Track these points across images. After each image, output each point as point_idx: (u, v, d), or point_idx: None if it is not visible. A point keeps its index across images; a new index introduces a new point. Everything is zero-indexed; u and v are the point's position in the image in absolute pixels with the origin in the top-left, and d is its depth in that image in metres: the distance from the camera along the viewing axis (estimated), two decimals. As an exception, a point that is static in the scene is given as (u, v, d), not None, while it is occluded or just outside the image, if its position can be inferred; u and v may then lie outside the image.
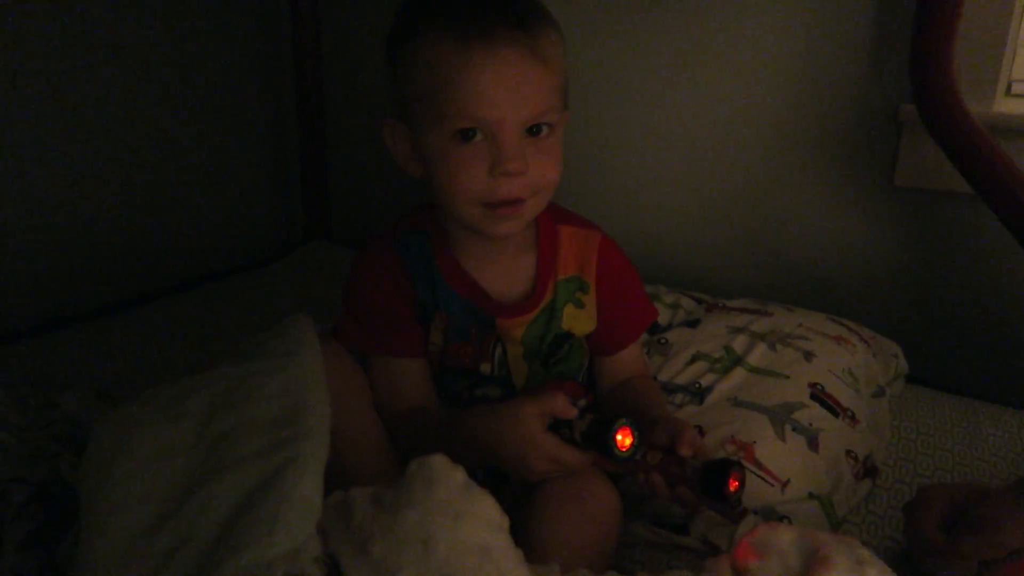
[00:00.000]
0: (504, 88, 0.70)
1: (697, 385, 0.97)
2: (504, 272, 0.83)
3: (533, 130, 0.73)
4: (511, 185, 0.73)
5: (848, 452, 0.90)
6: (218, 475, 0.59)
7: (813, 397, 0.94)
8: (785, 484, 0.84)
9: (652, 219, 1.43)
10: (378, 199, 1.79)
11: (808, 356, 1.00)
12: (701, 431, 0.90)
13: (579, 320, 0.85)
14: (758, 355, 1.00)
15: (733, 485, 0.68)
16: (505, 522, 0.56)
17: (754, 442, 0.87)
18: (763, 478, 0.84)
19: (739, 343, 1.03)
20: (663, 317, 1.12)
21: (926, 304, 1.24)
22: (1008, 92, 1.18)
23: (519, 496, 0.74)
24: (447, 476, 0.55)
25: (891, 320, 1.23)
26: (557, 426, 0.70)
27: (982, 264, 1.18)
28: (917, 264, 1.23)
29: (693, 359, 1.01)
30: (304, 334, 0.78)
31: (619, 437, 0.68)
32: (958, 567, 0.67)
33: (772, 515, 0.81)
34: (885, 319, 1.22)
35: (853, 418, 0.94)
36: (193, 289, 1.49)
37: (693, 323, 1.09)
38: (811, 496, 0.84)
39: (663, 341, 1.05)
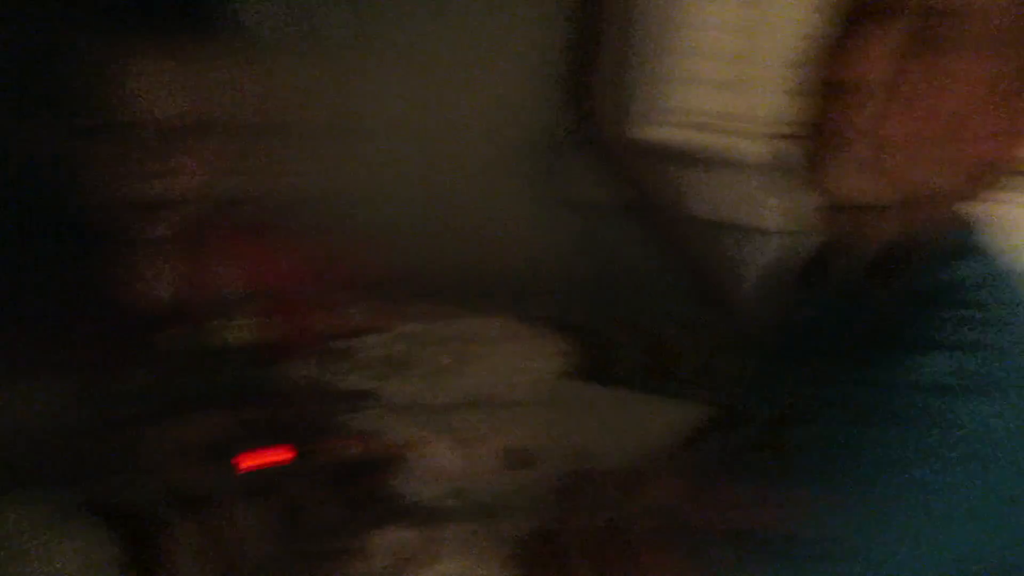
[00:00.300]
0: None
1: (368, 390, 1.00)
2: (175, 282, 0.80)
3: None
4: None
5: (505, 447, 0.96)
6: None
7: (480, 397, 1.00)
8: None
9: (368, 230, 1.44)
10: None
11: (481, 357, 1.06)
12: (369, 435, 0.92)
13: (260, 330, 0.84)
14: (432, 358, 1.05)
15: None
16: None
17: (408, 443, 0.91)
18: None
19: (414, 347, 1.06)
20: (345, 321, 1.13)
21: (600, 305, 1.35)
22: (665, 122, 1.32)
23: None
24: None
25: (567, 319, 1.33)
26: None
27: (642, 266, 1.31)
28: (588, 267, 1.34)
29: (372, 363, 1.03)
30: None
31: None
32: None
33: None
34: (562, 319, 1.32)
35: (515, 415, 1.01)
36: None
37: (374, 329, 1.11)
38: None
39: (341, 346, 1.06)
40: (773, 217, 1.18)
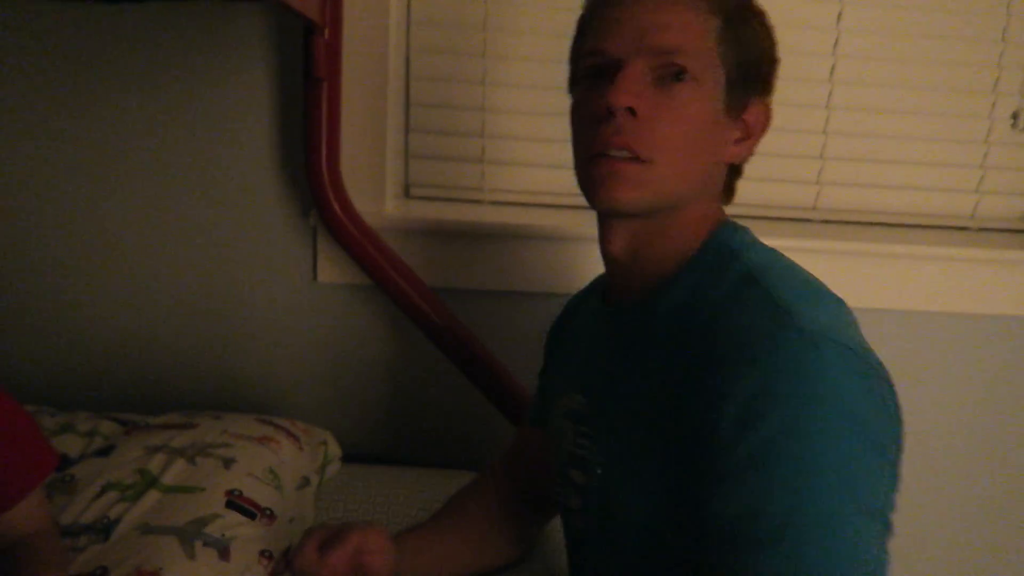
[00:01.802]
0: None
1: (105, 520, 0.91)
2: None
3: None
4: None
5: (263, 552, 0.91)
6: None
7: (229, 504, 0.94)
8: (195, 604, 0.82)
9: (92, 340, 1.33)
10: None
11: (228, 463, 1.01)
12: (105, 571, 0.83)
13: None
14: (175, 472, 0.98)
15: None
16: None
17: (160, 568, 0.84)
18: (169, 604, 0.81)
19: (155, 463, 0.99)
20: (74, 449, 1.03)
21: (352, 387, 1.34)
22: (407, 195, 1.36)
23: None
24: None
25: (323, 408, 1.31)
26: None
27: (391, 342, 1.33)
28: (340, 352, 1.33)
29: (103, 491, 0.94)
30: None
31: None
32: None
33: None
34: (318, 408, 1.30)
35: (271, 516, 0.97)
36: None
37: (106, 451, 1.02)
38: (220, 609, 0.83)
39: (69, 479, 0.96)
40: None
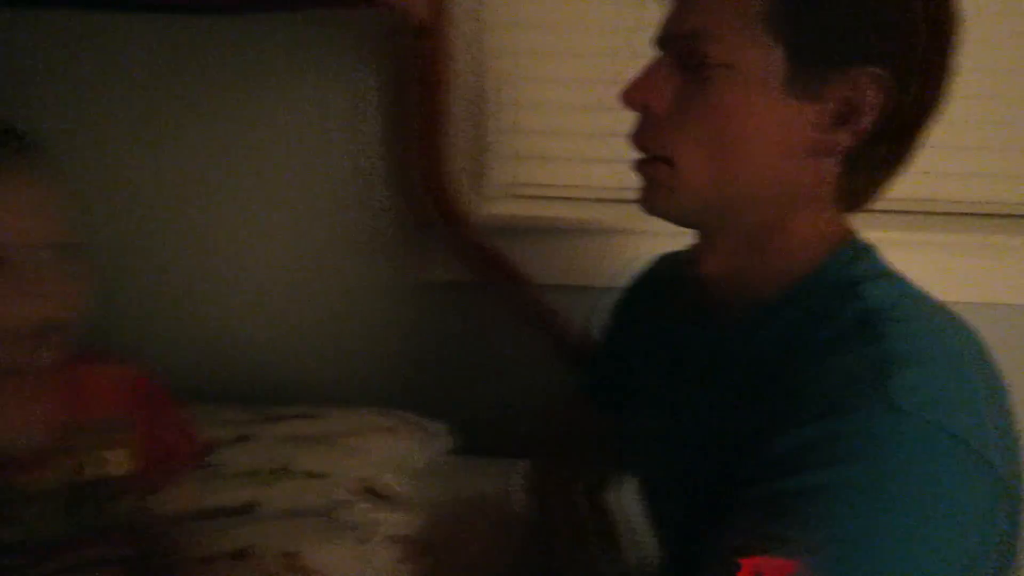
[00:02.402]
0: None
1: (248, 503, 0.96)
2: (13, 420, 0.75)
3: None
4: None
5: (395, 538, 0.95)
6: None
7: (362, 491, 0.99)
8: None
9: (212, 330, 1.40)
10: None
11: (358, 452, 1.05)
12: (252, 551, 0.88)
13: (112, 463, 0.79)
14: (309, 459, 1.02)
15: None
16: None
17: (302, 551, 0.88)
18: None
19: (290, 450, 1.04)
20: (213, 437, 1.09)
21: (463, 382, 1.38)
22: (509, 194, 1.39)
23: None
24: None
25: (438, 401, 1.35)
26: None
27: (499, 340, 1.35)
28: (449, 349, 1.37)
29: (243, 476, 1.00)
30: None
31: None
32: None
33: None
34: (433, 402, 1.34)
35: (401, 504, 1.00)
36: None
37: (243, 439, 1.08)
38: (362, 590, 0.87)
39: (211, 464, 1.02)
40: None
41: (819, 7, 0.57)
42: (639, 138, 0.63)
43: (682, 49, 0.61)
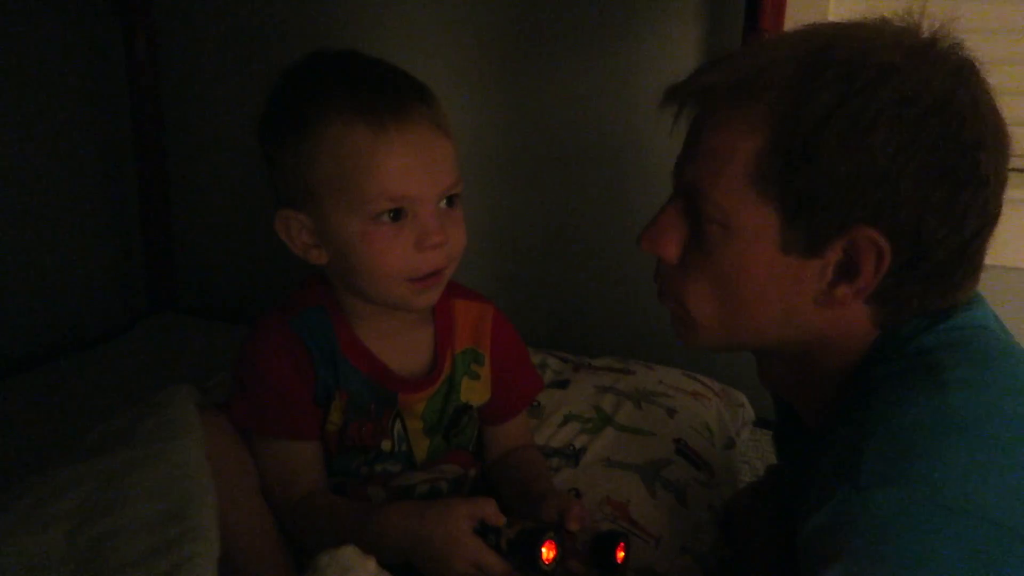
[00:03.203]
0: (422, 165, 0.71)
1: (572, 447, 1.01)
2: (404, 347, 0.83)
3: (448, 201, 0.75)
4: (436, 257, 0.74)
5: (710, 505, 0.96)
6: (99, 587, 0.55)
7: (678, 452, 1.00)
8: (658, 540, 0.88)
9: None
10: (231, 264, 1.72)
11: (671, 412, 1.07)
12: (578, 493, 0.93)
13: (475, 391, 0.87)
14: (626, 414, 1.06)
15: (620, 555, 0.72)
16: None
17: (628, 501, 0.91)
18: (639, 536, 0.88)
19: (607, 402, 1.08)
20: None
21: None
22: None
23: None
24: (361, 567, 0.54)
25: (736, 368, 1.33)
26: (484, 531, 0.69)
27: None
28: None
29: (565, 420, 1.05)
30: (184, 410, 0.74)
31: (544, 550, 0.68)
32: None
33: (650, 574, 0.85)
34: (730, 369, 1.32)
35: (711, 471, 1.01)
36: (23, 372, 1.32)
37: (563, 384, 1.13)
38: (683, 550, 0.88)
39: (535, 404, 1.08)
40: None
41: (808, 169, 0.55)
42: (657, 280, 0.68)
43: (687, 203, 0.63)
